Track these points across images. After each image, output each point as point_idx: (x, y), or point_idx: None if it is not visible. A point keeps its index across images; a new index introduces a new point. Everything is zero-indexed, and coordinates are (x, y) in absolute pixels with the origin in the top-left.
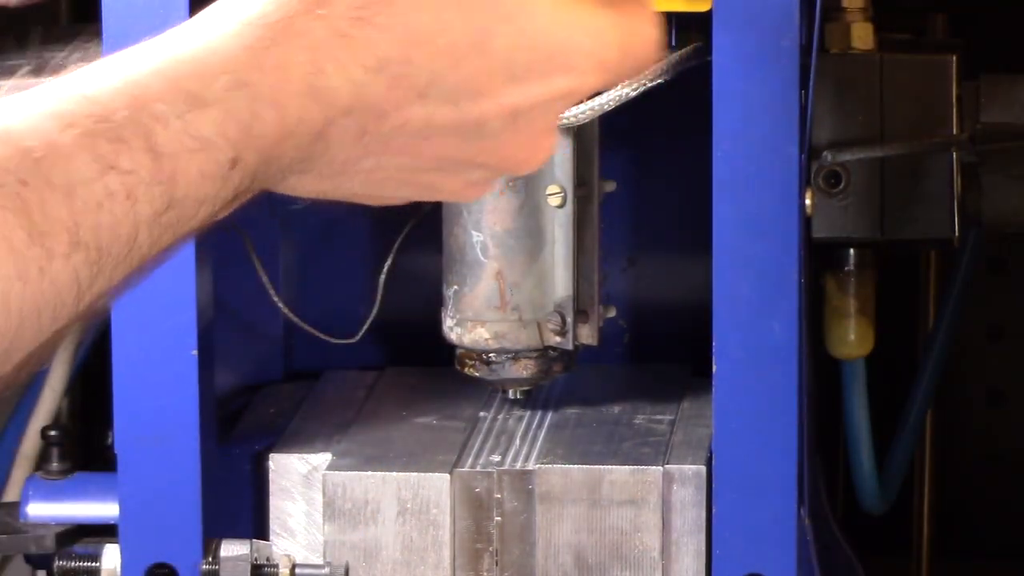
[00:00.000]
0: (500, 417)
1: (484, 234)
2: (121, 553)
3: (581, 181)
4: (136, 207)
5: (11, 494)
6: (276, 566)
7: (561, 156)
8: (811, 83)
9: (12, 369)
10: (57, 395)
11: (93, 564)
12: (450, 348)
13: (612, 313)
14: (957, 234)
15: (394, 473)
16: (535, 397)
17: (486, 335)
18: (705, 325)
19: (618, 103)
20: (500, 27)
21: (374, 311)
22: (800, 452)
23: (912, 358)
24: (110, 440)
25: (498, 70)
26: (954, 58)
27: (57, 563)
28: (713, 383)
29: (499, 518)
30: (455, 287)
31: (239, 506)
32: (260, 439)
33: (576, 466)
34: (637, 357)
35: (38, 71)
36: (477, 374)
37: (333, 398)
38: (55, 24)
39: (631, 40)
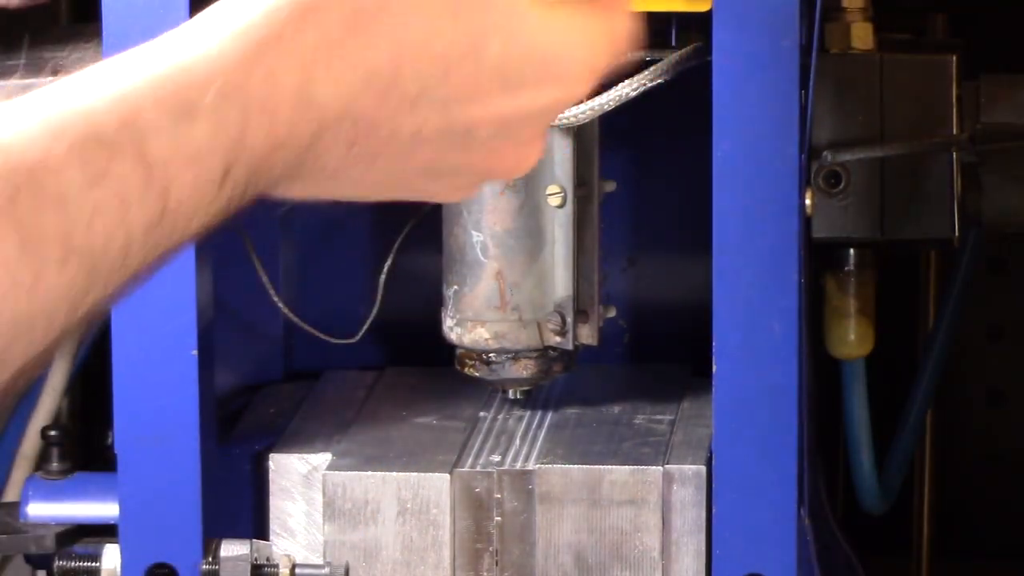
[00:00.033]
0: (500, 417)
1: (484, 234)
2: (121, 553)
3: (581, 181)
4: (129, 217)
5: (11, 494)
6: (276, 566)
7: (561, 156)
8: (811, 83)
9: (8, 379)
10: (57, 395)
11: (93, 564)
12: (450, 348)
13: (612, 313)
14: (957, 234)
15: (394, 473)
16: (535, 397)
17: (486, 335)
18: (705, 325)
19: (618, 103)
20: (492, 36)
21: (374, 311)
22: (800, 452)
23: (912, 358)
24: (110, 440)
25: (489, 79)
26: (954, 58)
27: (57, 563)
28: (713, 383)
29: (499, 518)
30: (455, 287)
31: (239, 506)
32: (260, 439)
33: (576, 466)
34: (637, 357)
35: (38, 71)
36: (477, 374)
37: (333, 398)
38: (55, 24)
39: (618, 43)
